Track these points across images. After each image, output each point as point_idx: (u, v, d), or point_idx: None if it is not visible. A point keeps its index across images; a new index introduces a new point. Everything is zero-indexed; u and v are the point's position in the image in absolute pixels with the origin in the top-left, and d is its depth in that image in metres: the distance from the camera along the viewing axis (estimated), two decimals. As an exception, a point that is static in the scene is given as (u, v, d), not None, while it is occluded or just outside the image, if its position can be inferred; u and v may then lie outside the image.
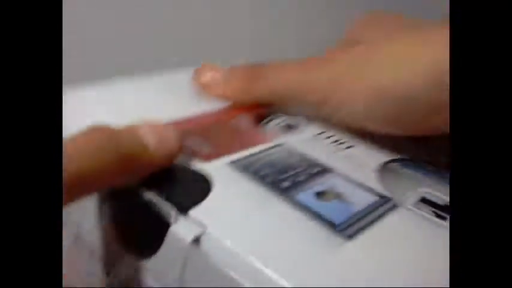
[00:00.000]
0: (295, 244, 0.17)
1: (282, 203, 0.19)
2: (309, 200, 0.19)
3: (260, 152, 0.22)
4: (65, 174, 0.15)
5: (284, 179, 0.20)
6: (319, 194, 0.20)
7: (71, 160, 0.16)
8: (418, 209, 0.20)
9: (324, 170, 0.22)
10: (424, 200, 0.21)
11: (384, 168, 0.23)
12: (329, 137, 0.25)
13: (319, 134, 0.25)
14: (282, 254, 0.16)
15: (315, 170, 0.21)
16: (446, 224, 0.19)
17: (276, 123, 0.25)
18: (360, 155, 0.24)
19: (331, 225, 0.18)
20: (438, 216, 0.20)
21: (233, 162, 0.21)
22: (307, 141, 0.24)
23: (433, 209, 0.20)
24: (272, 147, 0.23)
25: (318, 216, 0.18)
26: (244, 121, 0.25)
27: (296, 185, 0.20)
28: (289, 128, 0.25)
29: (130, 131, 0.18)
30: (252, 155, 0.22)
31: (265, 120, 0.25)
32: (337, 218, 0.18)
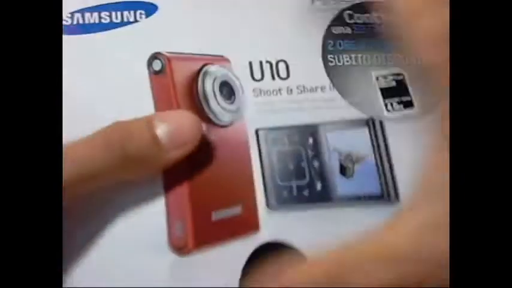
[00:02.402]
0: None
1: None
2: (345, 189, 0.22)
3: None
4: (64, 175, 0.16)
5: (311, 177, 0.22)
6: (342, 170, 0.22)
7: (73, 160, 0.16)
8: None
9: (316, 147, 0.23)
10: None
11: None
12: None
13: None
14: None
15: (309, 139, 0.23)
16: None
17: (211, 92, 0.23)
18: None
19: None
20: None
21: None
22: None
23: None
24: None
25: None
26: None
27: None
28: (226, 85, 0.23)
29: (141, 125, 0.18)
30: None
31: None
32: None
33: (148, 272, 0.20)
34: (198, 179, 0.21)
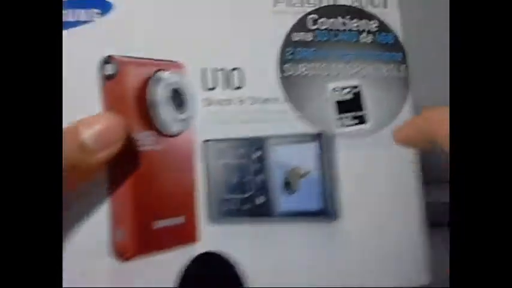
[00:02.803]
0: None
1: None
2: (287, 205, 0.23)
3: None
4: None
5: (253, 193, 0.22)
6: (286, 185, 0.23)
7: None
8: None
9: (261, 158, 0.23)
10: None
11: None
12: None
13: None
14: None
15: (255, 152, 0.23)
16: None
17: (163, 96, 0.23)
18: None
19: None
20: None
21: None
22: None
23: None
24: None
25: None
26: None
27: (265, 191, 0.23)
28: (177, 93, 0.23)
29: (69, 133, 0.19)
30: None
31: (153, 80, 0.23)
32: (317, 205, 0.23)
33: (90, 275, 0.21)
34: (142, 188, 0.22)
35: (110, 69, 0.22)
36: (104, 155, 0.20)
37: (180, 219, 0.22)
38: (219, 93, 0.23)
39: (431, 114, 0.21)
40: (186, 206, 0.22)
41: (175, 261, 0.22)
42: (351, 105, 0.24)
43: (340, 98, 0.24)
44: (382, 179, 0.24)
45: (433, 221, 0.24)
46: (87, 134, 0.19)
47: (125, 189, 0.21)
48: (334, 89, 0.24)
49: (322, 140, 0.23)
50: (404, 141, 0.23)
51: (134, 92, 0.22)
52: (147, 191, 0.22)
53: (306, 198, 0.23)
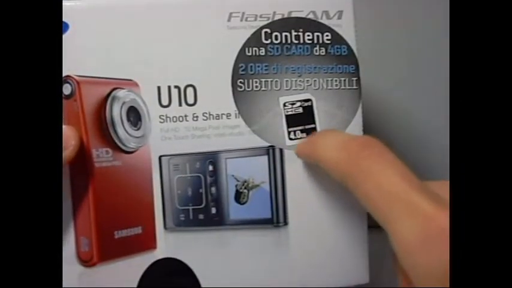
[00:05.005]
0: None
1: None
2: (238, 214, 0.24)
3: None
4: None
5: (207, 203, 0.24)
6: (237, 197, 0.25)
7: None
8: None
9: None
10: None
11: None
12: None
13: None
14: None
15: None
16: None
17: (119, 118, 0.24)
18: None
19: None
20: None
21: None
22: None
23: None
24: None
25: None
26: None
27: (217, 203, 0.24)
28: (133, 111, 0.25)
29: None
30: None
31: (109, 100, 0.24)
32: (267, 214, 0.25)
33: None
34: (102, 201, 0.24)
35: (67, 89, 0.23)
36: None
37: (138, 229, 0.24)
38: (174, 110, 0.24)
39: (314, 138, 0.23)
40: (144, 217, 0.24)
41: (136, 266, 0.24)
42: (302, 119, 0.25)
43: (291, 112, 0.25)
44: (327, 187, 0.25)
45: (370, 222, 0.25)
46: None
47: (87, 202, 0.23)
48: (285, 103, 0.25)
49: (273, 154, 0.25)
50: (302, 157, 0.25)
51: (92, 110, 0.23)
52: (108, 204, 0.24)
53: (257, 207, 0.25)
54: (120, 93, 0.24)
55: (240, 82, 0.25)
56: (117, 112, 0.24)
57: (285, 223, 0.25)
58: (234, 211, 0.25)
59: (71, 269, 0.23)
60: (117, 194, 0.24)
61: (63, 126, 0.23)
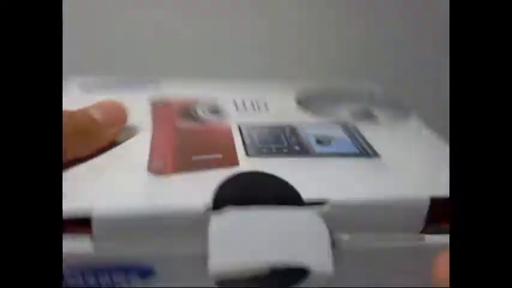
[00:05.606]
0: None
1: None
2: (326, 149, 0.23)
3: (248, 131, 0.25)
4: None
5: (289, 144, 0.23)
6: (318, 142, 0.24)
7: None
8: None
9: (293, 130, 0.25)
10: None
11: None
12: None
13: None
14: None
15: (289, 132, 0.25)
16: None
17: (201, 111, 0.27)
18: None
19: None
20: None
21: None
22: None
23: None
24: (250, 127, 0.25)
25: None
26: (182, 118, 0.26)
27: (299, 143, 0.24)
28: (217, 111, 0.27)
29: (83, 110, 0.23)
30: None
31: (190, 110, 0.27)
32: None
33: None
34: (183, 134, 0.24)
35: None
36: (112, 130, 0.23)
37: (218, 155, 0.22)
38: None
39: None
40: (225, 147, 0.23)
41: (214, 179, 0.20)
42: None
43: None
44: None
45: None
46: (97, 112, 0.23)
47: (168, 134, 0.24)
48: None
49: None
50: None
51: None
52: (188, 137, 0.24)
53: (341, 146, 0.23)
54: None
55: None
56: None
57: (377, 155, 0.23)
58: (319, 149, 0.23)
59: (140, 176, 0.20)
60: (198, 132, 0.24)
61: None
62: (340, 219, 0.19)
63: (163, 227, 0.18)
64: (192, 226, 0.18)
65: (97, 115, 0.23)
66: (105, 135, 0.23)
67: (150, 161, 0.21)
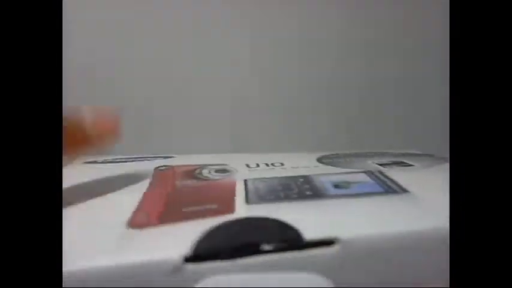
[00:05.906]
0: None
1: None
2: (343, 191, 0.19)
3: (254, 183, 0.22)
4: None
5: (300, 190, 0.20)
6: (336, 186, 0.20)
7: None
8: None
9: (308, 178, 0.22)
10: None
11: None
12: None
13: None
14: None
15: (302, 180, 0.21)
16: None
17: (207, 171, 0.25)
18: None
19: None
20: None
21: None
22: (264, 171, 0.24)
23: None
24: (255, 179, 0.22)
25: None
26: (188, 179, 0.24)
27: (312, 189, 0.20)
28: (225, 171, 0.24)
29: (74, 113, 0.22)
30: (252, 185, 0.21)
31: (196, 172, 0.25)
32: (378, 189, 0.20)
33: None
34: (179, 190, 0.20)
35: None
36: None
37: (213, 206, 0.19)
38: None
39: None
40: (223, 198, 0.19)
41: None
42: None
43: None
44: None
45: None
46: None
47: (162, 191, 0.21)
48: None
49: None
50: None
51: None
52: (183, 192, 0.20)
53: (363, 187, 0.19)
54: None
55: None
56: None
57: (405, 191, 0.18)
58: (334, 191, 0.19)
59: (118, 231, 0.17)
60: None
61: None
62: (351, 261, 0.15)
63: (134, 283, 0.15)
64: (166, 282, 0.14)
65: (87, 117, 0.21)
66: (87, 137, 0.21)
67: (133, 216, 0.18)
